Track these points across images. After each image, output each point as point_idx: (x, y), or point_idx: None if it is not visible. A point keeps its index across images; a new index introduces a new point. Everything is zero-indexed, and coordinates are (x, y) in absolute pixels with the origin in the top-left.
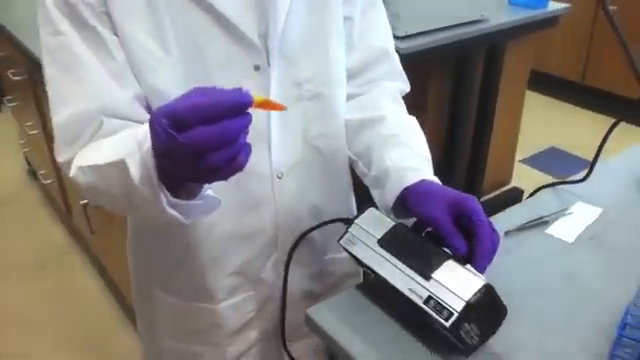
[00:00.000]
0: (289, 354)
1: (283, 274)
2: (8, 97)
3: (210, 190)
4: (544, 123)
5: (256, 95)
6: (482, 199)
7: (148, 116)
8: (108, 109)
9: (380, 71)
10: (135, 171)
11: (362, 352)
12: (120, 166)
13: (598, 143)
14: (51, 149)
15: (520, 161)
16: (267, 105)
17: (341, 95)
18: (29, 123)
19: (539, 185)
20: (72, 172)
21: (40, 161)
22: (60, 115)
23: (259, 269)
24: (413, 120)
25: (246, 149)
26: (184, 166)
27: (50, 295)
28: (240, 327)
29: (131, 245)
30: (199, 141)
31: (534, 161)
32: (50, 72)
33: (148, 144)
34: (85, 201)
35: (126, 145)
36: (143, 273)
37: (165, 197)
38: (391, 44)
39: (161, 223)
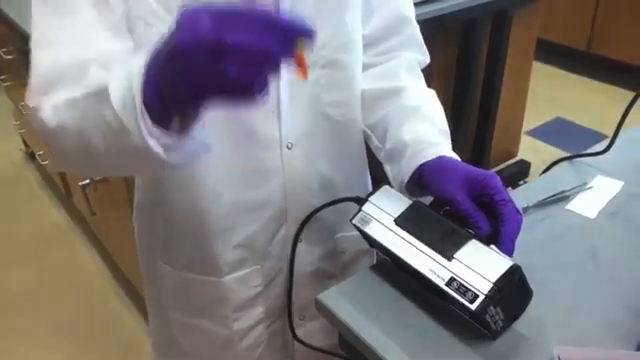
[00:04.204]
0: (296, 337)
1: (290, 254)
2: (1, 77)
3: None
4: (548, 93)
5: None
6: None
7: None
8: (101, 59)
9: (400, 40)
10: (116, 95)
11: (377, 338)
12: (101, 95)
13: (604, 113)
14: None
15: (525, 133)
16: (300, 63)
17: (357, 63)
18: (23, 103)
19: (545, 157)
20: (45, 113)
21: (37, 142)
22: (44, 58)
23: (266, 242)
24: (432, 93)
25: (266, 84)
26: (197, 68)
27: (51, 277)
28: (246, 302)
29: (137, 214)
30: (238, 42)
31: (540, 133)
32: (38, 12)
33: (142, 61)
34: (84, 182)
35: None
36: (148, 244)
37: (145, 124)
38: (412, 11)
39: (139, 167)
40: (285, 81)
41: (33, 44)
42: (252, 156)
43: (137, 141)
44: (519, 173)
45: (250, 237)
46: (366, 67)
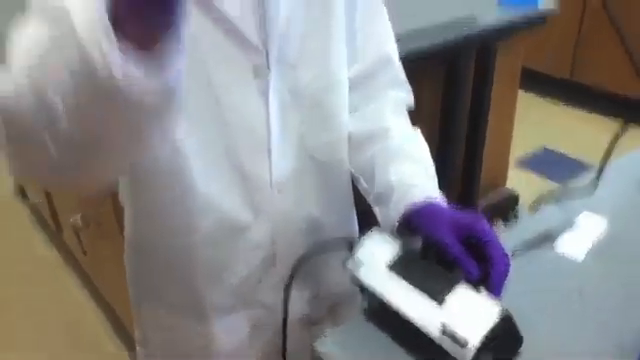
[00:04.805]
0: None
1: (282, 298)
2: None
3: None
4: (534, 123)
5: None
6: (477, 203)
7: None
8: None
9: (383, 80)
10: (79, 13)
11: None
12: (58, 13)
13: (589, 141)
14: None
15: (513, 163)
16: None
17: (342, 103)
18: None
19: (533, 187)
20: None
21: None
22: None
23: (254, 287)
24: (417, 133)
25: None
26: None
27: (40, 316)
28: (231, 351)
29: (127, 254)
30: None
31: (527, 163)
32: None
33: None
34: (76, 219)
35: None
36: (137, 284)
37: (108, 34)
38: (394, 52)
39: (105, 116)
40: (275, 121)
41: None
42: (243, 198)
43: (94, 61)
44: (508, 204)
45: (238, 282)
46: (352, 109)
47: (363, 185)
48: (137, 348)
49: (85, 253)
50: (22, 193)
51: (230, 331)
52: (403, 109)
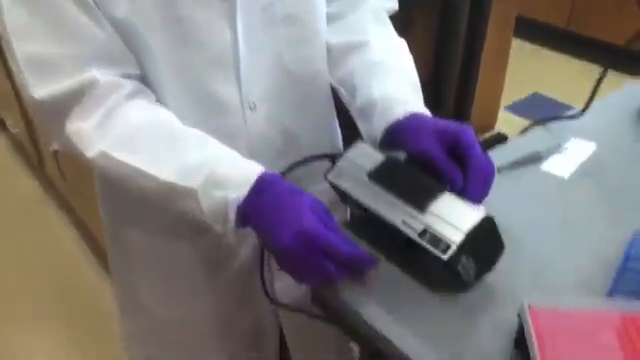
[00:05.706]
0: (268, 295)
1: None
2: None
3: None
4: (528, 70)
5: None
6: None
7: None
8: (97, 55)
9: None
10: (207, 206)
11: (353, 294)
12: (187, 194)
13: (582, 89)
14: (18, 97)
15: (504, 108)
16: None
17: (319, 17)
18: None
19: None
20: (92, 154)
21: (7, 110)
22: (28, 50)
23: None
24: (401, 43)
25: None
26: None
27: (23, 247)
28: (219, 261)
29: (99, 183)
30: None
31: (517, 108)
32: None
33: (240, 195)
34: (56, 148)
35: (199, 172)
36: (112, 209)
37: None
38: None
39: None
40: (243, 39)
41: (9, 31)
42: (213, 120)
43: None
44: (496, 143)
45: None
46: (331, 18)
47: (345, 96)
48: (117, 286)
49: (65, 179)
50: (2, 124)
51: (217, 242)
52: (385, 17)
